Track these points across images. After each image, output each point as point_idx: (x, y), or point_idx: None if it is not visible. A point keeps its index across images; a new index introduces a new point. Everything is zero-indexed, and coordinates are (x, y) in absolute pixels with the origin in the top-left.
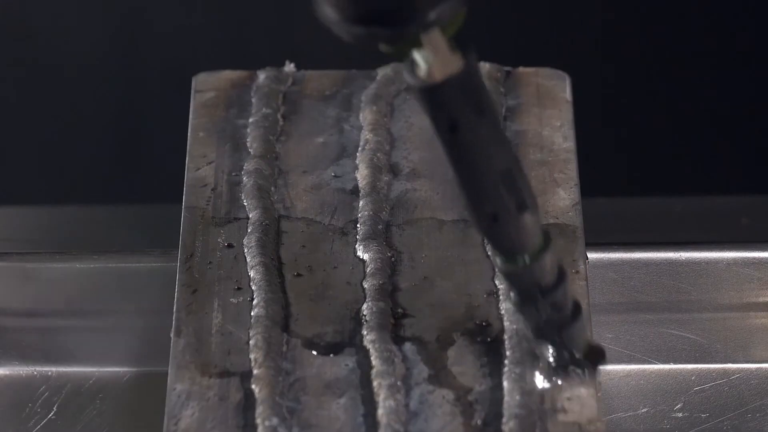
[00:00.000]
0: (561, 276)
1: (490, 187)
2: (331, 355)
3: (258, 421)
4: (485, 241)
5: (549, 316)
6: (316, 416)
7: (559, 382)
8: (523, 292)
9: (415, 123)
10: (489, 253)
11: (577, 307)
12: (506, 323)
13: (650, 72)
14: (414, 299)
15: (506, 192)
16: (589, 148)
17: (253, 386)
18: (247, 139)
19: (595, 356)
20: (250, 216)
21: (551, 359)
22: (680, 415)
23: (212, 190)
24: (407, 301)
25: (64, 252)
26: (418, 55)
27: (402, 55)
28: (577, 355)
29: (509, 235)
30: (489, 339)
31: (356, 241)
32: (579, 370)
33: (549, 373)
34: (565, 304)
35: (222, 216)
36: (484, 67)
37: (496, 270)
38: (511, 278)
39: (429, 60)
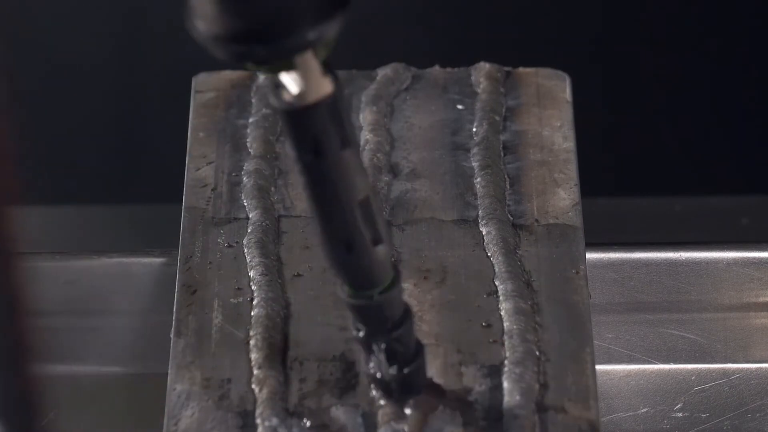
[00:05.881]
0: (406, 313)
1: (348, 215)
2: (331, 356)
3: (258, 421)
4: (335, 274)
5: (392, 352)
6: (316, 416)
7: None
8: (370, 325)
9: (415, 123)
10: (337, 286)
11: (419, 346)
12: (506, 323)
13: (650, 72)
14: (414, 299)
15: (363, 222)
16: (589, 148)
17: (253, 386)
18: (247, 139)
19: (433, 393)
20: (250, 216)
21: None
22: (680, 415)
23: (212, 190)
24: (407, 301)
25: (64, 252)
26: (288, 77)
27: (271, 76)
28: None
29: (362, 267)
30: (489, 339)
31: None
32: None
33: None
34: (409, 341)
35: (222, 216)
36: (484, 67)
37: (345, 302)
38: (358, 311)
39: (299, 82)
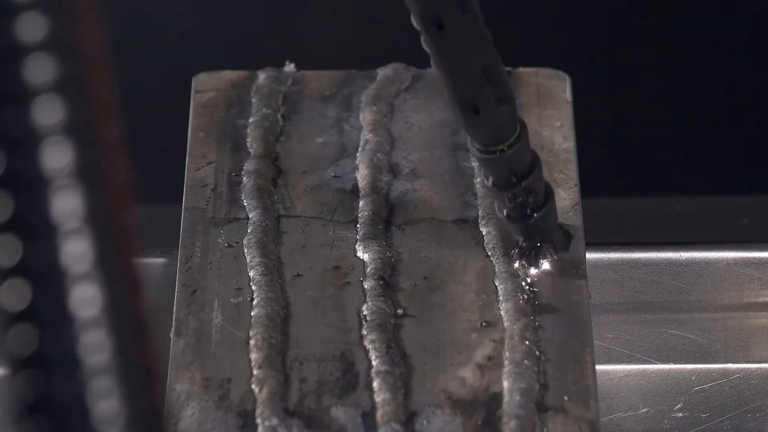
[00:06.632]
0: (535, 161)
1: (473, 79)
2: (331, 356)
3: (258, 421)
4: (467, 135)
5: (523, 201)
6: (315, 416)
7: (528, 266)
8: (500, 178)
9: (415, 123)
10: (468, 144)
11: (549, 191)
12: (506, 323)
13: (650, 72)
14: (414, 299)
15: (488, 85)
16: (589, 148)
17: (253, 386)
18: (247, 139)
19: (566, 237)
20: (250, 216)
21: (521, 242)
22: (680, 415)
23: (212, 190)
24: (407, 301)
25: None
26: None
27: None
28: (548, 239)
29: (489, 126)
30: (489, 339)
31: (356, 241)
32: (550, 251)
33: (521, 259)
34: (538, 189)
35: (222, 216)
36: None
37: (475, 156)
38: (488, 165)
39: None
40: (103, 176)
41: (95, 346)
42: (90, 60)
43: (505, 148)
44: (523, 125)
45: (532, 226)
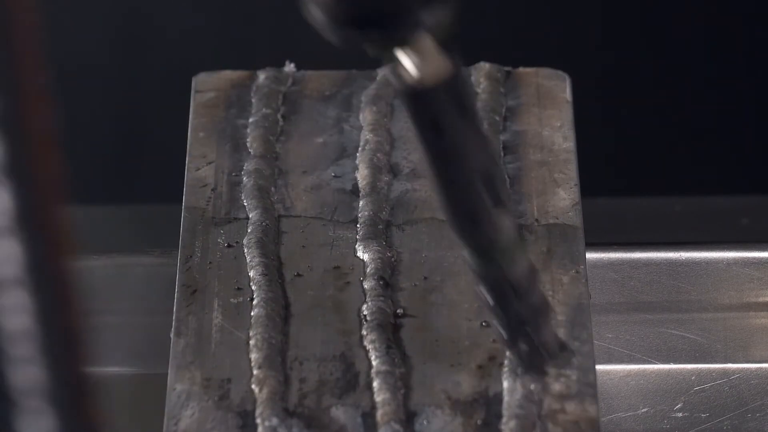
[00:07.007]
0: (533, 275)
1: (470, 186)
2: (331, 356)
3: (258, 421)
4: (464, 243)
5: (523, 316)
6: (315, 416)
7: (542, 377)
8: (498, 293)
9: None
10: (468, 256)
11: (546, 305)
12: None
13: (650, 72)
14: (414, 299)
15: (485, 191)
16: (589, 148)
17: (253, 386)
18: (247, 139)
19: (563, 349)
20: (250, 216)
21: (524, 358)
22: (680, 415)
23: (212, 190)
24: (407, 301)
25: None
26: (406, 58)
27: (389, 58)
28: (550, 351)
29: (486, 236)
30: (489, 339)
31: (356, 241)
32: (557, 362)
33: (525, 371)
34: (538, 303)
35: (222, 216)
36: (484, 67)
37: (473, 270)
38: (486, 280)
39: (418, 63)
40: (33, 173)
41: (24, 357)
42: (21, 50)
43: (503, 259)
44: (522, 235)
45: (532, 343)
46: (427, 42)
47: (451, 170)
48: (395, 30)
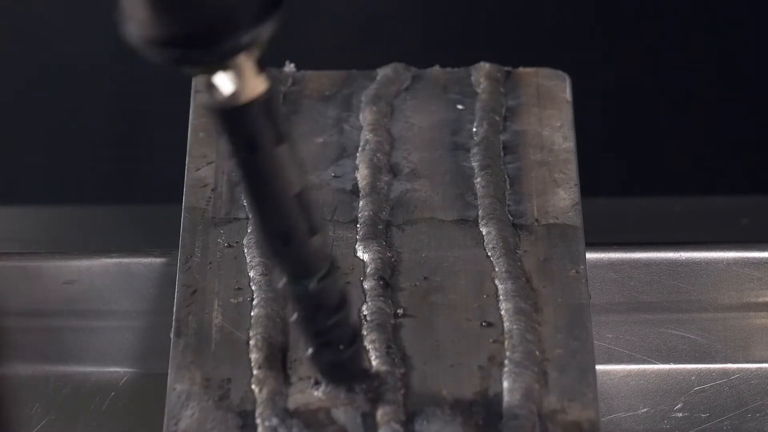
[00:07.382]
0: (343, 302)
1: (284, 208)
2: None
3: (258, 421)
4: (274, 263)
5: (330, 339)
6: (315, 417)
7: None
8: (306, 314)
9: (415, 123)
10: (277, 275)
11: (355, 334)
12: (506, 323)
13: (650, 72)
14: (414, 299)
15: (299, 214)
16: (589, 148)
17: (253, 386)
18: None
19: (373, 380)
20: (250, 216)
21: (320, 375)
22: (680, 415)
23: (212, 190)
24: (407, 301)
25: (64, 252)
26: (222, 77)
27: (206, 76)
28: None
29: (298, 258)
30: (489, 339)
31: (356, 241)
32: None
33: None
34: (346, 329)
35: (222, 216)
36: (484, 67)
37: (281, 290)
38: (294, 300)
39: (234, 82)
40: None
41: None
42: None
43: (314, 282)
44: (333, 261)
45: (338, 366)
46: (245, 61)
47: (265, 191)
48: (216, 51)
